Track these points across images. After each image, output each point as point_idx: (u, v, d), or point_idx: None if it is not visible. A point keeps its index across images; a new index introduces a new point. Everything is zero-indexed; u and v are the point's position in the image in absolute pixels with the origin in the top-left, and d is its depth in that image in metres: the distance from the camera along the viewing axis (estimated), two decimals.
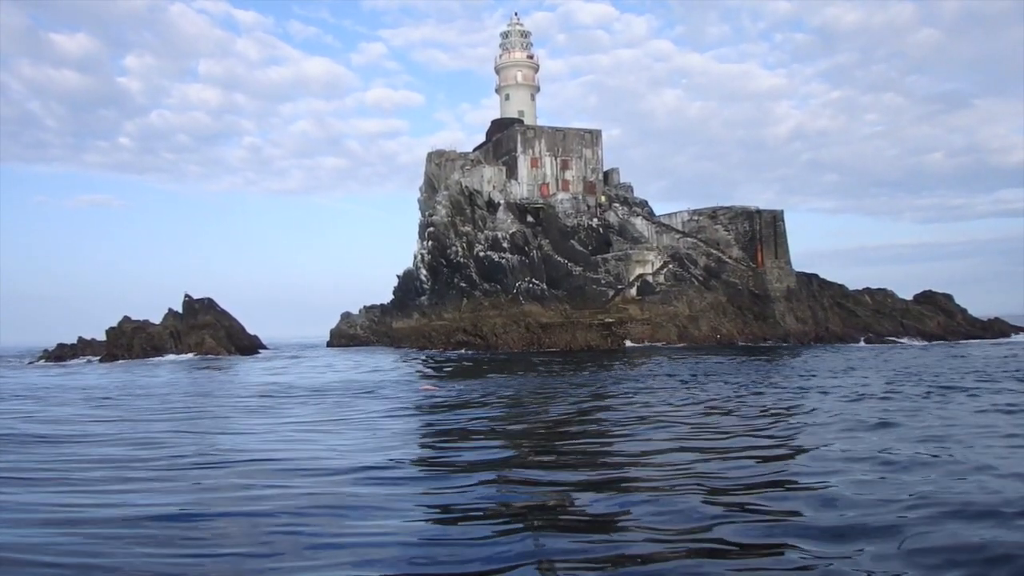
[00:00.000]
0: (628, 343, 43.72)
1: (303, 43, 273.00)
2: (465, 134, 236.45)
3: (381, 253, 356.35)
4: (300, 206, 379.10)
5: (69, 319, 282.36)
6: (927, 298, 53.42)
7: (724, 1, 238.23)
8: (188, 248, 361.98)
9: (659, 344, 43.89)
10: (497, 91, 69.81)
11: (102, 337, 51.15)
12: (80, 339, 51.73)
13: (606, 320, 48.14)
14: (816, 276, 52.59)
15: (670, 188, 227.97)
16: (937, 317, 50.57)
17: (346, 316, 71.44)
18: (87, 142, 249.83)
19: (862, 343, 45.10)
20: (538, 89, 69.92)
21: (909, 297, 55.04)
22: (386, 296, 69.03)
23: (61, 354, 48.13)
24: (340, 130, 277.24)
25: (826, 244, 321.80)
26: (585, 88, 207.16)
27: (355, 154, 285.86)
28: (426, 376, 27.94)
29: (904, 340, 46.75)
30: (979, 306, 59.62)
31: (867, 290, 53.72)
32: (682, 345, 43.84)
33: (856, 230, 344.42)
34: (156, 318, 53.05)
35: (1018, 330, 50.56)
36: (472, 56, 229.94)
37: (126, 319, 50.66)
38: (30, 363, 46.28)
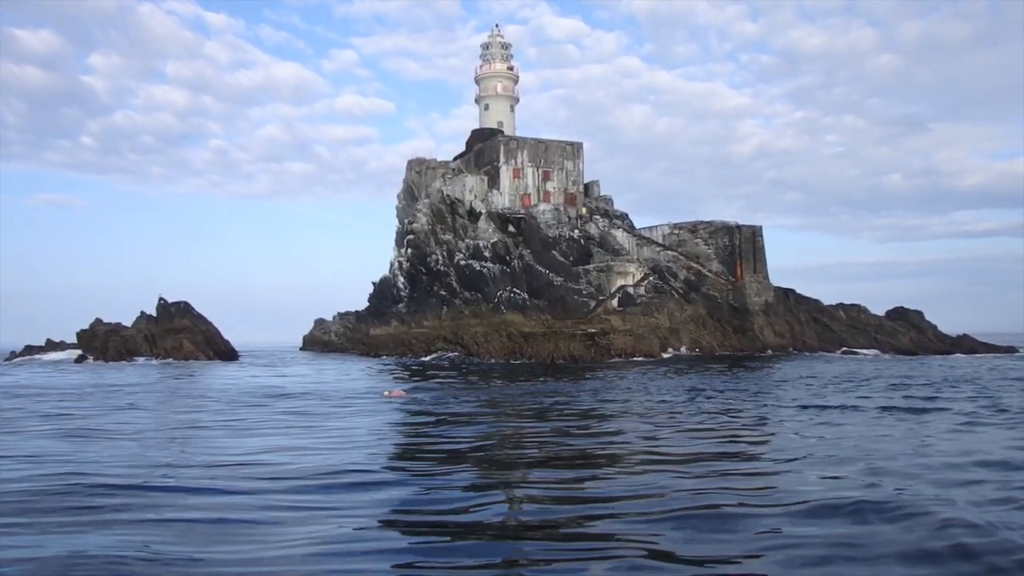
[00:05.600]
0: (615, 359, 43.81)
1: (274, 47, 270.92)
2: (435, 143, 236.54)
3: (350, 260, 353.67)
4: (266, 210, 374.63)
5: (31, 320, 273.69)
6: (899, 314, 54.79)
7: (692, 21, 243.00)
8: (152, 250, 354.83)
9: (640, 358, 43.96)
10: (476, 101, 69.92)
11: (71, 339, 49.77)
12: (48, 341, 50.30)
13: (589, 330, 48.36)
14: (792, 291, 53.58)
15: (639, 201, 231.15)
16: (909, 333, 51.90)
17: (320, 322, 70.62)
18: (48, 140, 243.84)
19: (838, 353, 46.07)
20: (517, 100, 70.30)
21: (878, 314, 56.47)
22: (358, 303, 68.52)
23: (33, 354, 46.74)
24: (309, 135, 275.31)
25: (789, 261, 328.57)
26: (555, 101, 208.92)
27: (323, 160, 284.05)
28: (398, 380, 27.87)
29: (873, 351, 47.98)
30: (940, 325, 61.13)
31: (840, 305, 54.90)
32: (668, 355, 44.15)
33: (817, 247, 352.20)
34: (123, 320, 51.54)
35: (990, 348, 51.25)
36: (443, 66, 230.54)
37: (98, 321, 49.31)
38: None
